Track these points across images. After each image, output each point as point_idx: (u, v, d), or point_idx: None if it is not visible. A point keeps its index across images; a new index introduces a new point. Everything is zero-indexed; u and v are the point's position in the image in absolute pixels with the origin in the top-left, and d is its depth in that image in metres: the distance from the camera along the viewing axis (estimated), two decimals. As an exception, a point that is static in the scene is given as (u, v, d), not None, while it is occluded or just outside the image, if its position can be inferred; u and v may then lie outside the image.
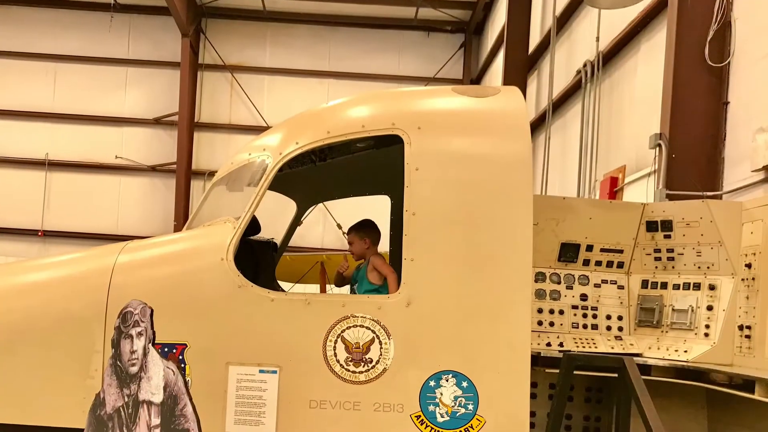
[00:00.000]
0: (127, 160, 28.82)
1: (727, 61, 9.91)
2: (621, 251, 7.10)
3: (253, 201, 5.73)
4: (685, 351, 6.60)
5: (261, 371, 5.49)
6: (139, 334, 5.50)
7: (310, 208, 9.12)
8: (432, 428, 5.43)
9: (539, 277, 7.11)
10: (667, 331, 6.85)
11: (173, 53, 28.45)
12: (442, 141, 5.74)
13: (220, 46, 29.02)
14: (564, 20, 17.65)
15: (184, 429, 5.46)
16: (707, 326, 6.66)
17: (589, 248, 7.09)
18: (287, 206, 8.70)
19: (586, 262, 7.15)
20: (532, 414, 6.20)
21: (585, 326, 7.04)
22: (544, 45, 18.94)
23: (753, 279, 6.42)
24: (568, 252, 7.10)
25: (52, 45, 29.06)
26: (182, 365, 5.48)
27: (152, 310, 5.52)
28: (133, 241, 6.21)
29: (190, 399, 5.47)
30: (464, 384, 5.42)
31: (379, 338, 5.46)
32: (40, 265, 6.53)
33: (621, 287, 7.13)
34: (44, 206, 28.82)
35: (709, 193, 9.30)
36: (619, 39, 13.94)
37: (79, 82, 29.01)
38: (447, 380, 5.44)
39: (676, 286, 6.90)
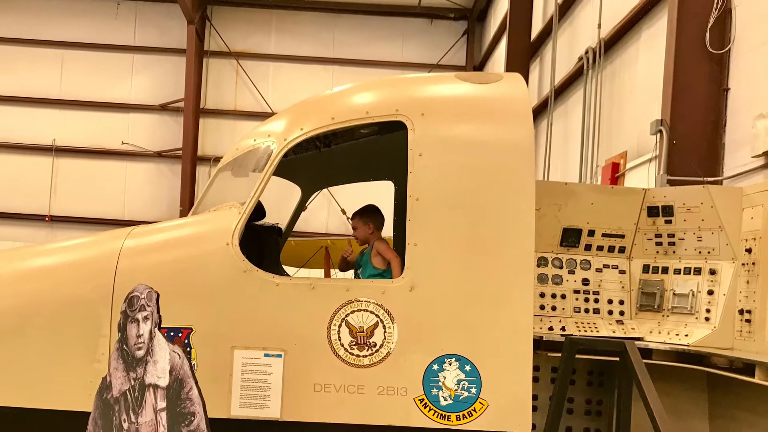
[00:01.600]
0: (134, 146, 28.85)
1: (727, 48, 9.92)
2: (622, 236, 7.13)
3: (258, 186, 5.75)
4: (686, 335, 6.63)
5: (266, 355, 5.52)
6: (146, 318, 5.53)
7: (315, 194, 9.17)
8: (435, 411, 5.47)
9: (541, 261, 7.14)
10: (668, 316, 6.89)
11: (179, 40, 28.45)
12: (445, 127, 5.77)
13: (226, 33, 28.98)
14: (566, 7, 17.64)
15: (189, 412, 5.50)
16: (708, 310, 6.68)
17: (591, 233, 7.12)
18: (292, 192, 8.75)
19: (588, 247, 7.18)
20: (535, 397, 6.27)
21: (587, 310, 7.07)
22: (547, 32, 18.96)
23: (753, 264, 6.45)
24: (570, 237, 7.13)
25: (59, 32, 29.06)
26: (188, 349, 5.51)
27: (158, 295, 5.54)
28: (139, 226, 6.24)
29: (196, 382, 5.50)
30: (467, 368, 5.46)
31: (382, 322, 5.50)
32: (47, 250, 6.57)
33: (622, 272, 7.16)
34: (51, 192, 28.88)
35: (709, 179, 9.34)
36: (620, 26, 13.93)
37: (86, 69, 29.01)
38: (450, 364, 5.47)
39: (677, 271, 6.93)
